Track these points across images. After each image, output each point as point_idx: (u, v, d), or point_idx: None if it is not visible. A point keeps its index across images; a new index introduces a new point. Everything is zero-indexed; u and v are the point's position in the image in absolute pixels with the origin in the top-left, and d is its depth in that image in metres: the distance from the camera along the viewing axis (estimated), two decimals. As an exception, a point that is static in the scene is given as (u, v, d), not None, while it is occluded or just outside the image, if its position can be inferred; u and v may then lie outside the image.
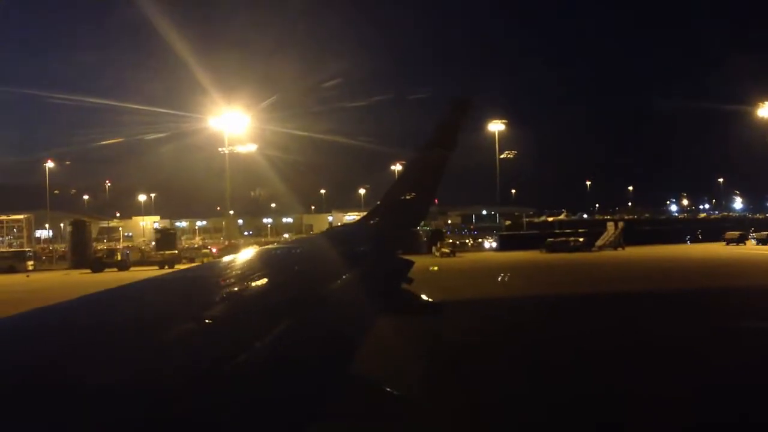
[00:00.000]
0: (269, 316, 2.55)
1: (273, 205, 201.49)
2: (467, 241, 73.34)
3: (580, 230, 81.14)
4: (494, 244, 78.13)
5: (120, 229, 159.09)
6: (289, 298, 2.93)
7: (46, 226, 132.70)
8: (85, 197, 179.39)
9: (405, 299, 4.56)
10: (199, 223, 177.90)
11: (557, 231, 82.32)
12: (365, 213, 6.89)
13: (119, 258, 65.03)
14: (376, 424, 3.33)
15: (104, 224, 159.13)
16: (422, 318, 5.79)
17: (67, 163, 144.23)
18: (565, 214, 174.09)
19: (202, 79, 74.59)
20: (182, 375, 1.83)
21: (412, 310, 4.82)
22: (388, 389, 3.28)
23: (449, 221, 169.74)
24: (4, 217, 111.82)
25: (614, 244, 69.24)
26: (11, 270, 63.94)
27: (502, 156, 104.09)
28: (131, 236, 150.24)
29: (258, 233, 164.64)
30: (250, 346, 2.16)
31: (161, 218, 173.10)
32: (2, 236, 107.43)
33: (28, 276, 59.84)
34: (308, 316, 2.79)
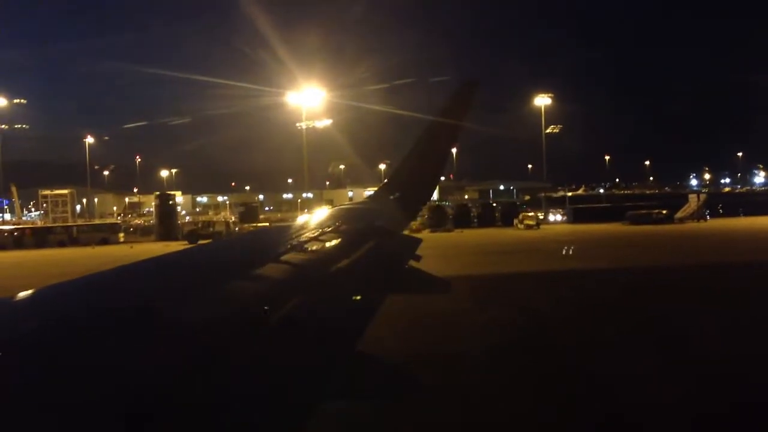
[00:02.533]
0: (279, 292, 2.70)
1: (289, 180, 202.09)
2: (539, 214, 74.91)
3: (639, 203, 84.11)
4: (558, 218, 79.60)
5: (142, 203, 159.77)
6: (299, 277, 3.05)
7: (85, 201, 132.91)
8: (105, 173, 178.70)
9: (412, 277, 4.54)
10: (220, 198, 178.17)
11: (628, 204, 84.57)
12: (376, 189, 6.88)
13: (213, 230, 66.83)
14: (384, 402, 3.65)
15: (134, 199, 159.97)
16: (430, 295, 5.45)
17: (106, 138, 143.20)
18: (583, 188, 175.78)
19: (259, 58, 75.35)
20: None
21: (419, 287, 4.76)
22: (399, 369, 3.27)
23: (466, 196, 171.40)
24: (48, 192, 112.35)
25: (697, 216, 71.49)
26: (105, 242, 65.18)
27: (547, 131, 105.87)
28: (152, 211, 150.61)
29: (278, 209, 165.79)
30: (260, 324, 2.25)
31: (182, 193, 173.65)
32: (48, 209, 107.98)
33: (132, 247, 61.13)
34: (316, 294, 2.87)
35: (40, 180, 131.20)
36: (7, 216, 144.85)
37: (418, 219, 78.51)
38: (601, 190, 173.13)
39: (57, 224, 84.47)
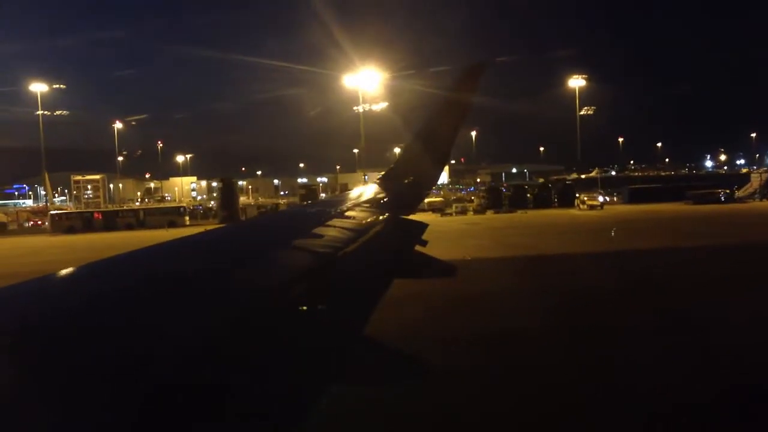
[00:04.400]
0: (284, 278, 2.72)
1: (301, 165, 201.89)
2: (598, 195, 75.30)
3: (694, 183, 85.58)
4: (604, 199, 79.98)
5: (159, 188, 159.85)
6: (304, 263, 3.08)
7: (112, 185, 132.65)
8: (119, 158, 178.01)
9: (418, 261, 4.58)
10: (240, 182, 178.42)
11: (684, 184, 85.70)
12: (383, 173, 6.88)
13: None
14: (392, 389, 3.72)
15: (149, 185, 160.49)
16: (436, 279, 5.37)
17: (133, 123, 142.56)
18: (596, 170, 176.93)
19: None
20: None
21: (425, 272, 4.82)
22: (406, 355, 3.30)
23: (478, 179, 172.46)
24: (80, 177, 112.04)
25: (761, 195, 72.82)
26: (173, 224, 65.45)
27: (582, 112, 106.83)
28: (170, 197, 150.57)
29: (293, 193, 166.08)
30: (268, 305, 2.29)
31: (197, 178, 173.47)
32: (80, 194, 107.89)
33: (206, 230, 61.41)
34: (323, 279, 2.90)
35: (55, 166, 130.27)
36: (29, 202, 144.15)
37: (474, 200, 79.40)
38: (613, 173, 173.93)
39: (125, 207, 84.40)
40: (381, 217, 4.88)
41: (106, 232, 63.90)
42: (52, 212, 73.49)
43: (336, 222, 4.34)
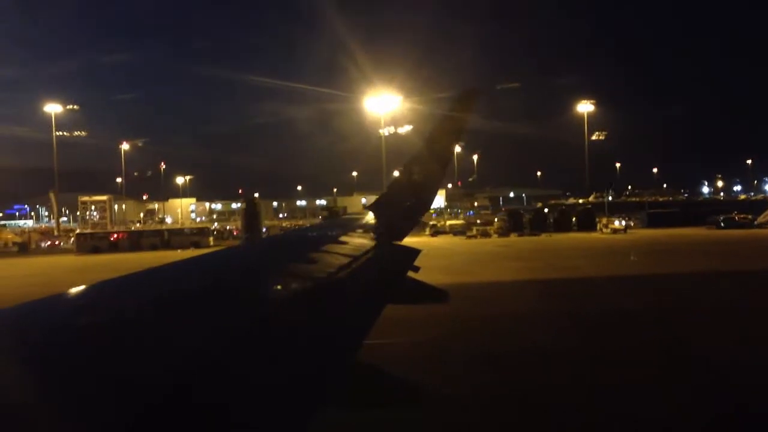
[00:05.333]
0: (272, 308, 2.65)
1: (299, 187, 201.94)
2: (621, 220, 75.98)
3: (710, 208, 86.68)
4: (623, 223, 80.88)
5: (157, 209, 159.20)
6: (294, 288, 3.03)
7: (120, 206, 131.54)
8: (118, 180, 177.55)
9: (411, 287, 4.60)
10: (234, 206, 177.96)
11: (704, 209, 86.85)
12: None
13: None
14: (387, 413, 3.68)
15: (151, 207, 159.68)
16: (428, 305, 5.57)
17: (140, 145, 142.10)
18: (594, 195, 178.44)
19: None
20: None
21: (418, 297, 4.84)
22: (400, 378, 3.25)
23: (476, 203, 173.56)
24: (86, 198, 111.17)
25: None
26: (197, 245, 65.09)
27: (593, 137, 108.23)
28: (170, 219, 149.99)
29: (293, 216, 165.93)
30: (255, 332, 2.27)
31: (197, 200, 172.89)
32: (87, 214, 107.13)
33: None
34: (314, 305, 2.87)
35: (52, 187, 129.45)
36: (30, 222, 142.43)
37: (495, 224, 79.86)
38: (609, 198, 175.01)
39: (150, 228, 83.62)
40: (374, 243, 4.86)
41: (131, 252, 63.37)
42: (78, 232, 72.80)
43: (330, 247, 4.39)
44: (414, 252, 5.27)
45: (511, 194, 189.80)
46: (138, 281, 2.93)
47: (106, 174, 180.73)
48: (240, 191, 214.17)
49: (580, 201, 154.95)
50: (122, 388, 1.59)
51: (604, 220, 73.63)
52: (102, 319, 2.16)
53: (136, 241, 68.07)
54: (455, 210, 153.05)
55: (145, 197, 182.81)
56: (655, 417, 11.15)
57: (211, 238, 70.38)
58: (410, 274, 4.76)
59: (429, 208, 7.10)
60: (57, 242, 76.21)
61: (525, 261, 41.80)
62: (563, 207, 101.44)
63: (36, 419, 1.41)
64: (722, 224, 70.27)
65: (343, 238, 4.95)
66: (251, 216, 76.34)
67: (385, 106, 78.88)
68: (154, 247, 65.89)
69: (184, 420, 1.56)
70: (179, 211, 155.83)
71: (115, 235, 70.42)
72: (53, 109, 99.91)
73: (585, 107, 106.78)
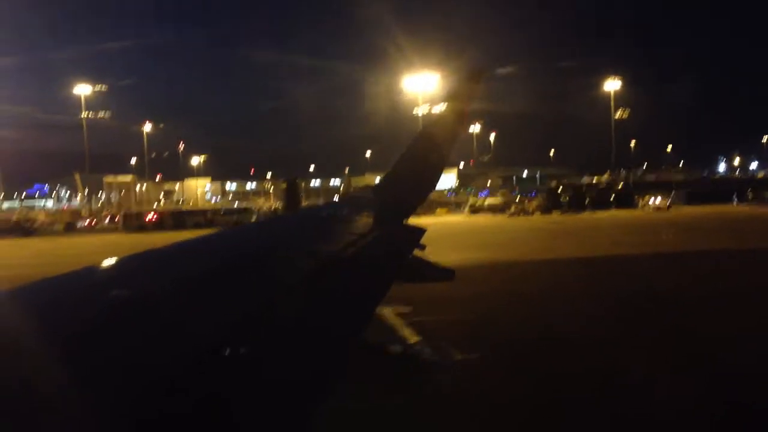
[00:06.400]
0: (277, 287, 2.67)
1: (312, 167, 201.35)
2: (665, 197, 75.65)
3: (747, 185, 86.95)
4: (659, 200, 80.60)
5: (177, 190, 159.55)
6: (301, 269, 3.06)
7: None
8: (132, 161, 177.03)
9: (416, 266, 4.62)
10: (249, 186, 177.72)
11: (734, 186, 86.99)
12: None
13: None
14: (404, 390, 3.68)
15: (169, 187, 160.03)
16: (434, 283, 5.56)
17: (161, 126, 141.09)
18: (608, 174, 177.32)
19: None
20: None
21: (423, 276, 4.86)
22: (422, 356, 3.83)
23: (489, 182, 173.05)
24: (111, 179, 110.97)
25: None
26: (239, 224, 65.25)
27: (617, 116, 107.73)
28: (183, 199, 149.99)
29: (307, 196, 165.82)
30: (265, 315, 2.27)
31: (212, 180, 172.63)
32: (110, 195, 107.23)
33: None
34: (321, 286, 2.87)
35: (68, 169, 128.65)
36: (50, 203, 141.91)
37: (534, 202, 79.77)
38: (639, 174, 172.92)
39: (196, 208, 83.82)
40: (377, 222, 4.89)
41: (176, 231, 63.45)
42: (124, 212, 73.30)
43: (338, 226, 4.47)
44: (419, 231, 5.25)
45: (525, 173, 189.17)
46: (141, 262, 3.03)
47: (115, 157, 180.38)
48: (251, 171, 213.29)
49: (595, 181, 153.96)
50: (127, 372, 1.59)
51: (646, 198, 73.58)
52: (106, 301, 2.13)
53: (180, 220, 68.40)
54: (468, 189, 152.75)
55: (158, 177, 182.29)
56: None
57: (254, 217, 70.47)
58: (416, 252, 4.75)
59: (434, 188, 6.97)
60: (94, 222, 76.27)
61: (611, 237, 40.43)
62: (601, 186, 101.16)
63: (62, 391, 1.40)
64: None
65: (351, 218, 4.96)
66: (292, 195, 76.51)
67: (424, 85, 78.42)
68: (198, 226, 66.00)
69: (194, 400, 1.56)
70: (197, 191, 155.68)
71: (158, 215, 70.88)
72: (82, 90, 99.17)
73: (612, 84, 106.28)
